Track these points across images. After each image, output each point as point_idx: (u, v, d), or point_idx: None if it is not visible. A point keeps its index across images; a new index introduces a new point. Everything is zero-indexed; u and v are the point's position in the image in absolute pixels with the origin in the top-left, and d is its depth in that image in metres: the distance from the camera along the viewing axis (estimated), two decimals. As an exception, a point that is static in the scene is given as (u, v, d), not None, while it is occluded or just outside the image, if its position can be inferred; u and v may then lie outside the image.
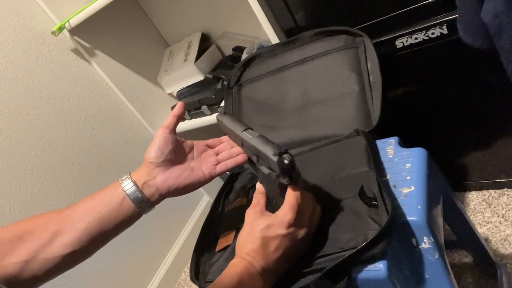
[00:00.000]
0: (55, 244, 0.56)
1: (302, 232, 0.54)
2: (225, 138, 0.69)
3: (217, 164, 0.65)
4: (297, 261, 0.56)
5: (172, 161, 0.62)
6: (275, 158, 0.50)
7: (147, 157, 0.61)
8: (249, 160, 0.62)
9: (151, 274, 1.42)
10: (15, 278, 0.53)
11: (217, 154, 0.67)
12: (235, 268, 0.53)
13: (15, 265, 0.54)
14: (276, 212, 0.55)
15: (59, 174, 1.22)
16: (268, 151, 0.52)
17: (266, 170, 0.56)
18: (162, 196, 0.61)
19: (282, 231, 0.53)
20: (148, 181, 0.60)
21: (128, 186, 0.59)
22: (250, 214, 0.57)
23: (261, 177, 0.59)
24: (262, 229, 0.54)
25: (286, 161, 0.50)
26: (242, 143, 0.60)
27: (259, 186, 0.62)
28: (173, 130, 0.63)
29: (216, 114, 0.68)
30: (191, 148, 0.66)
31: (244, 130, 0.58)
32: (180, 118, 0.65)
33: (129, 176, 0.60)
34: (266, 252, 0.53)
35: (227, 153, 0.67)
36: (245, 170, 0.85)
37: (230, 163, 0.66)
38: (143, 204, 0.60)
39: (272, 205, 0.58)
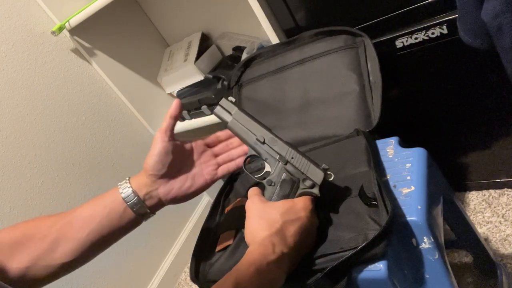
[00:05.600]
0: (55, 253, 0.56)
1: (316, 222, 0.57)
2: (222, 134, 0.66)
3: (217, 168, 0.64)
4: (305, 257, 0.56)
5: (173, 171, 0.61)
6: (322, 172, 0.58)
7: (148, 168, 0.59)
8: (245, 161, 0.64)
9: (151, 274, 1.42)
10: (17, 282, 0.54)
11: (215, 155, 0.66)
12: (252, 255, 0.51)
13: (16, 270, 0.54)
14: (292, 199, 0.57)
15: (59, 174, 1.22)
16: (314, 164, 0.59)
17: (288, 176, 0.59)
18: (164, 205, 0.62)
19: (304, 213, 0.55)
20: (150, 192, 0.59)
21: (130, 197, 0.58)
22: (256, 203, 0.57)
23: (275, 180, 0.59)
24: (283, 213, 0.54)
25: (329, 179, 0.59)
26: (263, 141, 0.61)
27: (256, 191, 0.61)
28: (171, 135, 0.61)
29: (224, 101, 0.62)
30: (191, 151, 0.64)
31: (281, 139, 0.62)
32: (177, 118, 0.62)
33: (129, 185, 0.59)
34: (285, 235, 0.52)
35: (227, 156, 0.66)
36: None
37: (232, 166, 0.65)
38: (145, 213, 0.60)
39: None
